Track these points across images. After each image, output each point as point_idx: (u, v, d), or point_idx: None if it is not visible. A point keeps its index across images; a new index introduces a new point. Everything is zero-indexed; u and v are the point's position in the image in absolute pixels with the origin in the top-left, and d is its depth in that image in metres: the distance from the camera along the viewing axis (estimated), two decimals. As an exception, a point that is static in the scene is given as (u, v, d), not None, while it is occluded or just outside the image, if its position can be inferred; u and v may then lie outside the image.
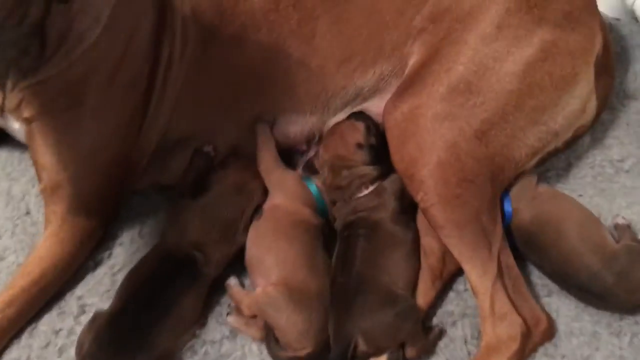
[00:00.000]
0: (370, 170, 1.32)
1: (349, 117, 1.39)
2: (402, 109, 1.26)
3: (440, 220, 1.21)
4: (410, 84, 1.29)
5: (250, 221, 1.30)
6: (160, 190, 1.42)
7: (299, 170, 1.43)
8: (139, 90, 1.28)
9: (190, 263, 1.23)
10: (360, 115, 1.38)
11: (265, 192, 1.35)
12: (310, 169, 1.39)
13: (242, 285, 1.28)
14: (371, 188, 1.31)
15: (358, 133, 1.34)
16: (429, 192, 1.21)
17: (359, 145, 1.33)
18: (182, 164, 1.38)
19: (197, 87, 1.32)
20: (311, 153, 1.44)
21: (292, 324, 1.16)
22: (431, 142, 1.21)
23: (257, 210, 1.32)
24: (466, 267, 1.21)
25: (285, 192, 1.33)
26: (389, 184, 1.32)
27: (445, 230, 1.21)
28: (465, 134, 1.21)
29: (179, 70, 1.30)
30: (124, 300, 1.19)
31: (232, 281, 1.28)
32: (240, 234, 1.29)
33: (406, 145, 1.24)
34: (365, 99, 1.39)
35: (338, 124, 1.39)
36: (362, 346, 1.15)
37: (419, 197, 1.23)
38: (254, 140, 1.40)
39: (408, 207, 1.32)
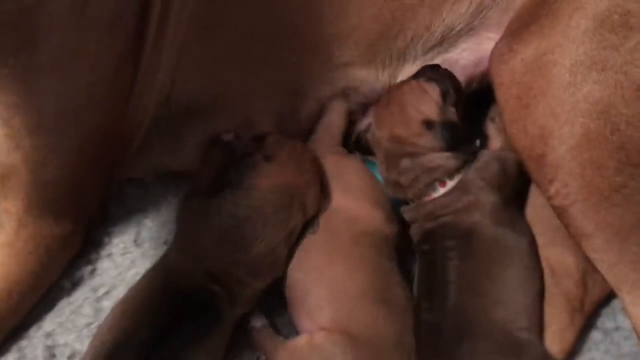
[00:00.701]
0: (444, 160, 0.92)
1: (418, 74, 0.98)
2: (523, 54, 0.89)
3: (587, 225, 0.84)
4: (533, 17, 0.91)
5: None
6: (164, 178, 1.10)
7: None
8: (124, 31, 0.92)
9: (207, 300, 0.85)
10: (434, 72, 0.97)
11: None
12: (360, 148, 1.02)
13: (275, 326, 0.92)
14: (450, 185, 0.93)
15: (429, 102, 0.94)
16: (570, 182, 0.84)
17: (428, 124, 0.92)
18: (197, 143, 1.04)
19: (211, 30, 0.99)
20: (364, 122, 1.05)
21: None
22: (572, 103, 0.84)
23: (311, 222, 0.94)
24: (628, 297, 0.84)
25: (344, 188, 0.96)
26: (478, 172, 0.93)
27: (595, 241, 0.84)
28: (625, 91, 0.83)
29: (183, 4, 0.95)
30: (105, 355, 0.82)
31: (258, 322, 0.91)
32: (279, 266, 0.90)
33: (532, 110, 0.87)
34: (453, 44, 1.03)
35: (398, 85, 0.99)
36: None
37: (552, 190, 0.85)
38: (300, 113, 1.04)
39: (512, 196, 0.94)
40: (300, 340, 0.84)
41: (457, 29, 1.02)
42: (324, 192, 0.94)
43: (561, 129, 0.83)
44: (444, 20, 1.01)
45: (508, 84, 0.89)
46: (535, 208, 0.94)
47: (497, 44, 0.93)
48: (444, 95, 0.94)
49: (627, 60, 0.83)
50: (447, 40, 1.03)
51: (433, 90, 0.95)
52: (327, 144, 1.01)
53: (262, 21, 0.99)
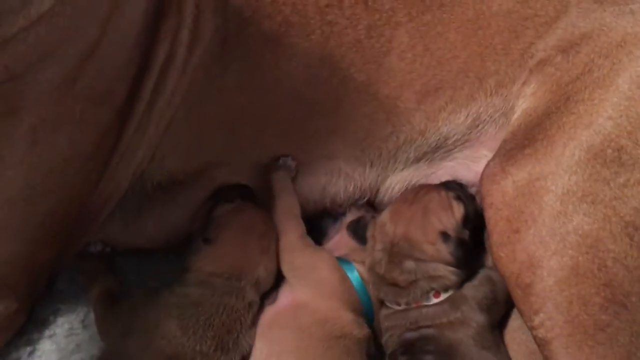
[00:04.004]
0: (447, 273, 0.90)
1: (448, 187, 0.96)
2: (515, 177, 0.87)
3: None
4: (528, 139, 0.90)
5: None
6: (122, 254, 1.01)
7: (330, 242, 1.01)
8: (112, 107, 0.86)
9: None
10: (462, 191, 0.96)
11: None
12: (357, 234, 0.97)
13: None
14: (443, 296, 0.90)
15: (451, 218, 0.92)
16: (555, 315, 0.81)
17: (445, 236, 0.90)
18: (159, 220, 0.99)
19: (202, 109, 0.95)
20: (350, 217, 1.02)
21: None
22: (562, 234, 0.82)
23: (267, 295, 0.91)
24: None
25: (316, 285, 0.90)
26: (472, 290, 0.91)
27: None
28: (613, 227, 0.82)
29: (179, 81, 0.91)
30: None
31: None
32: (245, 337, 0.86)
33: (521, 235, 0.84)
34: (447, 153, 1.02)
35: (427, 189, 0.96)
36: None
37: (537, 321, 0.82)
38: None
39: (498, 319, 0.92)
40: None
41: (453, 139, 1.00)
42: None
43: (550, 259, 0.81)
44: (439, 128, 0.99)
45: (498, 205, 0.87)
46: (513, 329, 0.91)
47: (489, 162, 0.91)
48: (465, 218, 0.93)
49: (617, 196, 0.82)
50: (442, 149, 1.01)
51: (458, 210, 0.93)
52: (294, 233, 0.95)
53: (253, 106, 0.95)
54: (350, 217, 1.02)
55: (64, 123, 0.81)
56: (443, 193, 0.94)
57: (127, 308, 0.87)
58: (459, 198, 0.93)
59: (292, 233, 0.94)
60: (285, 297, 0.91)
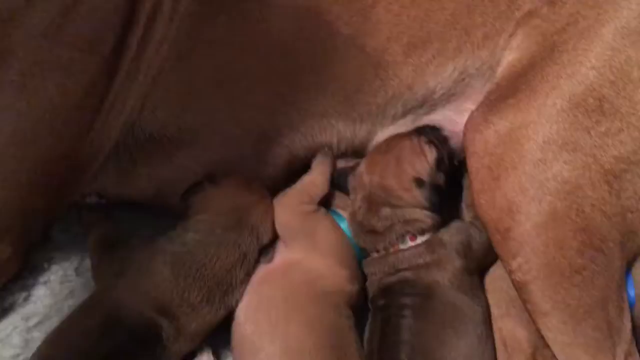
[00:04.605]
0: (422, 216, 0.92)
1: (419, 131, 0.98)
2: (497, 126, 0.88)
3: (545, 303, 0.83)
4: (511, 91, 0.91)
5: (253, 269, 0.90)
6: (116, 206, 1.03)
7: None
8: (100, 55, 0.87)
9: (150, 336, 0.80)
10: (435, 134, 0.97)
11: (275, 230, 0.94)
12: (340, 184, 0.99)
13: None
14: (419, 239, 0.92)
15: (424, 163, 0.94)
16: (532, 259, 0.83)
17: (419, 182, 0.92)
18: (153, 174, 1.00)
19: (190, 61, 0.95)
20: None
21: None
22: (541, 181, 0.84)
23: (264, 251, 0.92)
24: None
25: (312, 244, 0.92)
26: (450, 236, 0.93)
27: (550, 319, 0.83)
28: (592, 174, 0.84)
29: (166, 30, 0.91)
30: None
31: (205, 356, 0.87)
32: (234, 292, 0.87)
33: (501, 182, 0.86)
34: (433, 107, 1.02)
35: (399, 137, 0.98)
36: None
37: (514, 265, 0.84)
38: (267, 159, 1.00)
39: (475, 269, 0.94)
40: None
41: (439, 93, 1.01)
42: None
43: (529, 205, 0.83)
44: (426, 82, 0.99)
45: (480, 153, 0.88)
46: (494, 278, 0.93)
47: (472, 113, 0.92)
48: (439, 161, 0.95)
49: (597, 144, 0.84)
50: (428, 103, 1.01)
51: (430, 154, 0.95)
52: (300, 201, 0.96)
53: (243, 62, 0.96)
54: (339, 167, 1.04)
55: (53, 70, 0.82)
56: (415, 139, 0.95)
57: (123, 252, 0.88)
58: (431, 142, 0.95)
59: (295, 197, 0.96)
60: (279, 256, 0.92)
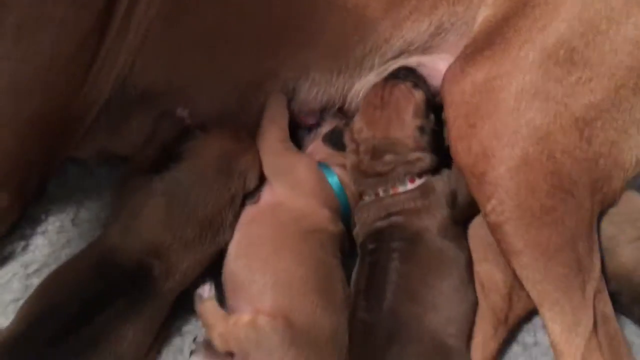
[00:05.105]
0: (423, 157, 0.97)
1: (395, 75, 1.02)
2: (473, 77, 0.92)
3: (517, 242, 0.87)
4: (486, 44, 0.95)
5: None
6: (108, 161, 1.07)
7: (310, 148, 1.06)
8: (93, 11, 0.90)
9: (142, 275, 0.84)
10: (411, 76, 1.01)
11: (262, 175, 0.98)
12: (335, 143, 1.02)
13: (220, 302, 0.90)
14: (417, 182, 0.96)
15: (418, 110, 0.98)
16: (505, 200, 0.86)
17: (421, 129, 0.97)
18: (144, 129, 1.03)
19: (179, 19, 0.98)
20: (325, 128, 1.07)
21: (288, 379, 0.80)
22: (515, 128, 0.87)
23: (251, 194, 0.96)
24: (548, 314, 0.86)
25: (294, 185, 0.96)
26: (440, 183, 0.96)
27: (523, 257, 0.87)
28: (563, 121, 0.88)
29: None
30: (31, 321, 0.79)
31: (206, 292, 0.90)
32: (224, 232, 0.91)
33: (477, 129, 0.89)
34: (409, 57, 1.06)
35: (388, 88, 1.01)
36: (393, 423, 0.78)
37: (489, 207, 0.88)
38: (251, 110, 1.04)
39: (460, 219, 0.97)
40: (243, 318, 0.83)
41: (415, 45, 1.04)
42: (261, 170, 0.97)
43: (502, 150, 0.86)
44: (403, 35, 1.03)
45: (458, 103, 0.91)
46: (474, 227, 0.97)
47: (450, 65, 0.95)
48: (427, 101, 0.99)
49: (568, 93, 0.87)
50: (405, 54, 1.04)
51: (419, 97, 0.99)
52: (276, 137, 1.01)
53: (229, 16, 0.99)
54: (325, 128, 1.07)
55: (47, 24, 0.85)
56: (403, 87, 0.99)
57: (123, 192, 0.92)
58: (416, 85, 0.99)
59: (274, 137, 1.00)
60: (266, 196, 0.96)
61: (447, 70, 0.95)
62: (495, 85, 0.89)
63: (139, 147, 1.01)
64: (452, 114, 0.92)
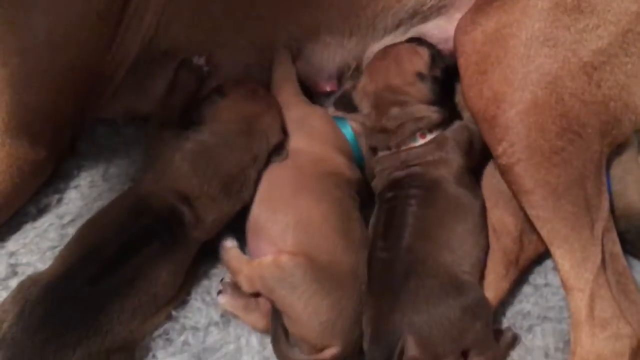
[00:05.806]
0: (430, 112, 0.99)
1: (408, 41, 1.05)
2: (484, 27, 0.95)
3: (528, 182, 0.90)
4: None
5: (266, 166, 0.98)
6: (135, 120, 1.11)
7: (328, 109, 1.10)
8: None
9: (173, 219, 0.89)
10: (422, 41, 1.05)
11: (284, 130, 1.01)
12: (345, 105, 1.05)
13: (242, 250, 0.95)
14: (429, 137, 0.99)
15: (420, 59, 1.01)
16: (516, 142, 0.90)
17: (420, 76, 1.00)
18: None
19: None
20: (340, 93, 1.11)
21: (312, 311, 0.84)
22: (524, 73, 0.90)
23: (277, 151, 0.98)
24: (557, 251, 0.90)
25: (309, 133, 1.00)
26: (453, 133, 1.00)
27: (533, 197, 0.90)
28: (572, 66, 0.90)
29: None
30: (71, 263, 0.84)
31: (229, 243, 0.95)
32: (248, 188, 0.94)
33: (488, 76, 0.92)
34: (424, 19, 1.09)
35: (392, 46, 1.05)
36: (411, 350, 0.83)
37: (500, 149, 0.91)
38: (268, 68, 1.08)
39: (474, 166, 1.01)
40: (266, 259, 0.87)
41: (429, 4, 1.06)
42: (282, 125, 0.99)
43: (513, 94, 0.89)
44: None
45: (469, 52, 0.95)
46: (486, 176, 1.00)
47: (461, 17, 0.98)
48: (433, 57, 1.02)
49: (576, 40, 0.90)
50: (418, 15, 1.07)
51: (424, 52, 1.03)
52: (289, 92, 1.04)
53: None
54: (340, 93, 1.10)
55: None
56: (407, 44, 1.03)
57: (156, 144, 0.97)
58: (421, 43, 1.03)
59: (288, 92, 1.04)
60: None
61: (459, 22, 0.98)
62: (505, 34, 0.92)
63: (162, 98, 1.04)
64: (464, 63, 0.95)
